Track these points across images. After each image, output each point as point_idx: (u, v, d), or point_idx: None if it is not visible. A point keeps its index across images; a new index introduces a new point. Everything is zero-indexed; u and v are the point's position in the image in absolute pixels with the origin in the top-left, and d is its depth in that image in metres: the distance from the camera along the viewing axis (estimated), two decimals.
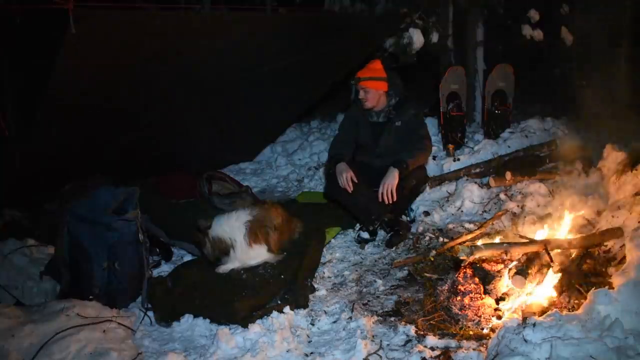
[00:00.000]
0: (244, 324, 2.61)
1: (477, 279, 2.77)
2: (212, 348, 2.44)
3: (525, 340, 1.98)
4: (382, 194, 3.31)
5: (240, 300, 2.76)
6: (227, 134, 5.08)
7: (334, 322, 2.68)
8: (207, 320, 2.72)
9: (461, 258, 2.52)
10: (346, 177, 3.38)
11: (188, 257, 3.52)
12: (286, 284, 2.95)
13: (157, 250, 3.50)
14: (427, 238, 3.58)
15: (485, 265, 2.84)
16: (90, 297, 2.77)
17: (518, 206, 3.63)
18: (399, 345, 2.40)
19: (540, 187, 3.80)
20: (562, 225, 2.99)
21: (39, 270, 3.13)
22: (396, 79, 3.63)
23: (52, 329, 2.33)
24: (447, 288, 2.79)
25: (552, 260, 2.57)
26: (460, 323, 2.51)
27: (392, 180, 3.31)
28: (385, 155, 3.59)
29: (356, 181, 3.40)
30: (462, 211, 3.87)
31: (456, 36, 5.76)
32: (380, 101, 3.61)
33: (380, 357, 2.30)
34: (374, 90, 3.54)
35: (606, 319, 2.03)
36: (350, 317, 2.67)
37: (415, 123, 3.61)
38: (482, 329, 2.44)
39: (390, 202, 3.33)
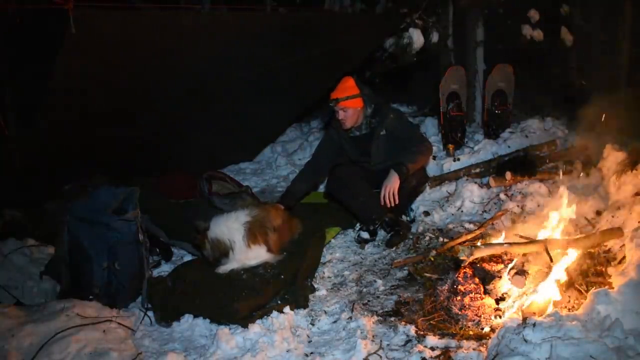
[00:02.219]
0: (244, 324, 2.61)
1: (477, 279, 2.77)
2: (212, 348, 2.44)
3: (525, 340, 1.98)
4: (384, 197, 3.31)
5: (240, 300, 2.76)
6: (227, 134, 5.07)
7: (334, 322, 2.68)
8: (207, 320, 2.72)
9: (461, 258, 2.52)
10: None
11: (188, 257, 3.52)
12: (286, 284, 2.95)
13: (157, 250, 3.50)
14: (427, 238, 3.58)
15: (485, 265, 2.84)
16: (90, 297, 2.78)
17: (518, 206, 3.63)
18: (399, 345, 2.40)
19: (540, 187, 3.80)
20: (562, 226, 2.99)
21: (39, 270, 3.13)
22: (365, 88, 3.58)
23: (52, 329, 2.34)
24: (447, 288, 2.79)
25: (552, 260, 2.57)
26: (460, 323, 2.51)
27: (393, 183, 3.31)
28: (381, 164, 3.58)
29: None
30: (462, 211, 3.87)
31: (456, 36, 5.76)
32: (359, 118, 3.57)
33: (380, 357, 2.30)
34: (352, 109, 3.50)
35: (606, 319, 2.03)
36: (350, 317, 2.67)
37: (401, 128, 3.56)
38: (482, 329, 2.44)
39: (392, 205, 3.33)
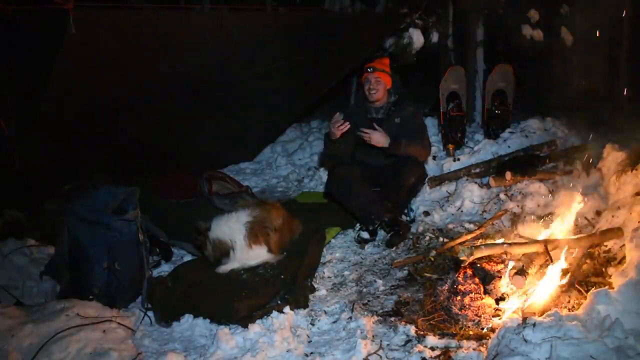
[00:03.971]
0: (244, 324, 2.61)
1: (477, 279, 2.77)
2: (212, 348, 2.44)
3: (525, 340, 1.98)
4: (366, 132, 3.50)
5: (240, 300, 2.76)
6: (227, 134, 5.07)
7: (334, 322, 2.68)
8: (207, 320, 2.72)
9: (461, 258, 2.52)
10: (336, 123, 3.48)
11: (188, 257, 3.52)
12: (286, 284, 2.95)
13: (157, 250, 3.50)
14: (427, 238, 3.58)
15: (485, 265, 2.84)
16: (90, 297, 2.77)
17: (518, 206, 3.63)
18: (399, 345, 2.40)
19: (540, 187, 3.80)
20: (562, 225, 2.99)
21: (39, 270, 3.13)
22: (395, 76, 3.76)
23: (52, 329, 2.33)
24: (447, 288, 2.79)
25: (552, 260, 2.57)
26: (460, 323, 2.51)
27: (380, 135, 3.51)
28: (383, 152, 3.61)
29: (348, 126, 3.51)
30: (462, 211, 3.87)
31: (456, 36, 5.77)
32: (384, 97, 3.72)
33: (380, 357, 2.30)
34: (384, 83, 3.66)
35: (606, 319, 2.03)
36: (350, 317, 2.67)
37: (414, 123, 3.69)
38: (482, 329, 2.44)
39: (364, 136, 3.50)
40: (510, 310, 2.47)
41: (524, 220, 3.35)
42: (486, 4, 5.59)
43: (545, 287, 2.53)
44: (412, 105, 3.74)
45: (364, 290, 3.00)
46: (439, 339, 2.39)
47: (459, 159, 4.61)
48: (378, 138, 3.52)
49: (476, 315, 2.55)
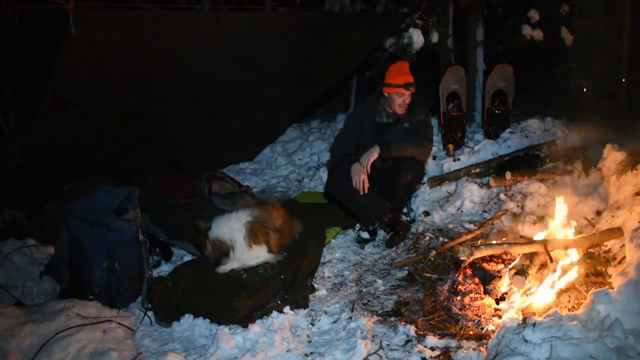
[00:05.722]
0: (244, 324, 2.61)
1: (477, 279, 2.77)
2: (212, 348, 2.44)
3: (525, 340, 1.98)
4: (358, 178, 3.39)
5: (240, 300, 2.76)
6: (227, 134, 5.08)
7: (334, 322, 2.68)
8: (207, 320, 2.72)
9: (461, 258, 2.53)
10: (362, 180, 3.41)
11: (188, 257, 3.52)
12: (286, 284, 2.95)
13: (157, 250, 3.50)
14: (427, 238, 3.58)
15: (485, 265, 2.84)
16: (90, 297, 2.77)
17: (518, 206, 3.63)
18: (399, 345, 2.40)
19: (540, 187, 3.80)
20: (562, 225, 2.99)
21: (39, 270, 3.12)
22: None
23: (52, 329, 2.33)
24: (447, 288, 2.79)
25: (552, 260, 2.57)
26: (460, 323, 2.51)
27: (369, 154, 3.41)
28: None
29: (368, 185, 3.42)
30: (462, 211, 3.87)
31: (456, 36, 5.77)
32: None
33: (380, 357, 2.30)
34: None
35: (606, 319, 2.03)
36: (350, 317, 2.67)
37: (419, 131, 3.62)
38: (482, 329, 2.44)
39: (363, 187, 3.40)
40: (511, 311, 2.47)
41: (524, 220, 3.35)
42: (486, 4, 5.60)
43: (545, 287, 2.53)
44: (423, 112, 3.65)
45: (364, 290, 3.00)
46: (439, 339, 2.39)
47: (459, 159, 4.61)
48: (367, 155, 3.42)
49: (476, 315, 2.55)
